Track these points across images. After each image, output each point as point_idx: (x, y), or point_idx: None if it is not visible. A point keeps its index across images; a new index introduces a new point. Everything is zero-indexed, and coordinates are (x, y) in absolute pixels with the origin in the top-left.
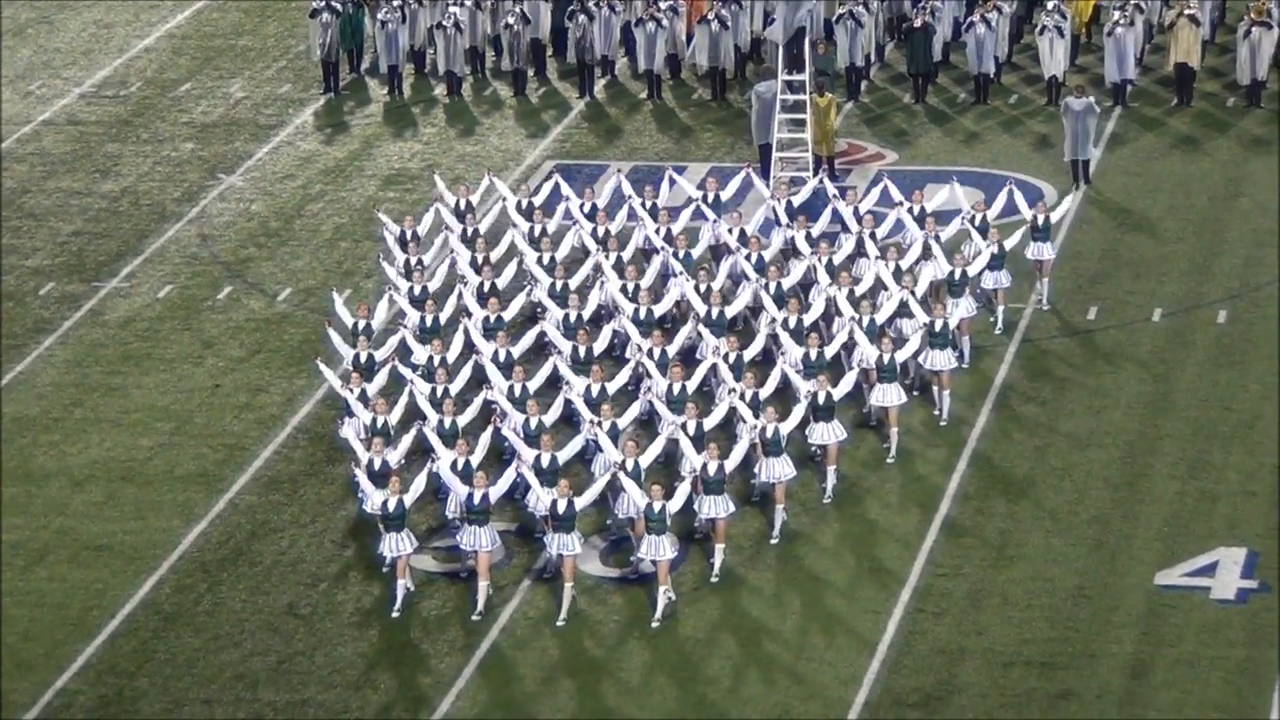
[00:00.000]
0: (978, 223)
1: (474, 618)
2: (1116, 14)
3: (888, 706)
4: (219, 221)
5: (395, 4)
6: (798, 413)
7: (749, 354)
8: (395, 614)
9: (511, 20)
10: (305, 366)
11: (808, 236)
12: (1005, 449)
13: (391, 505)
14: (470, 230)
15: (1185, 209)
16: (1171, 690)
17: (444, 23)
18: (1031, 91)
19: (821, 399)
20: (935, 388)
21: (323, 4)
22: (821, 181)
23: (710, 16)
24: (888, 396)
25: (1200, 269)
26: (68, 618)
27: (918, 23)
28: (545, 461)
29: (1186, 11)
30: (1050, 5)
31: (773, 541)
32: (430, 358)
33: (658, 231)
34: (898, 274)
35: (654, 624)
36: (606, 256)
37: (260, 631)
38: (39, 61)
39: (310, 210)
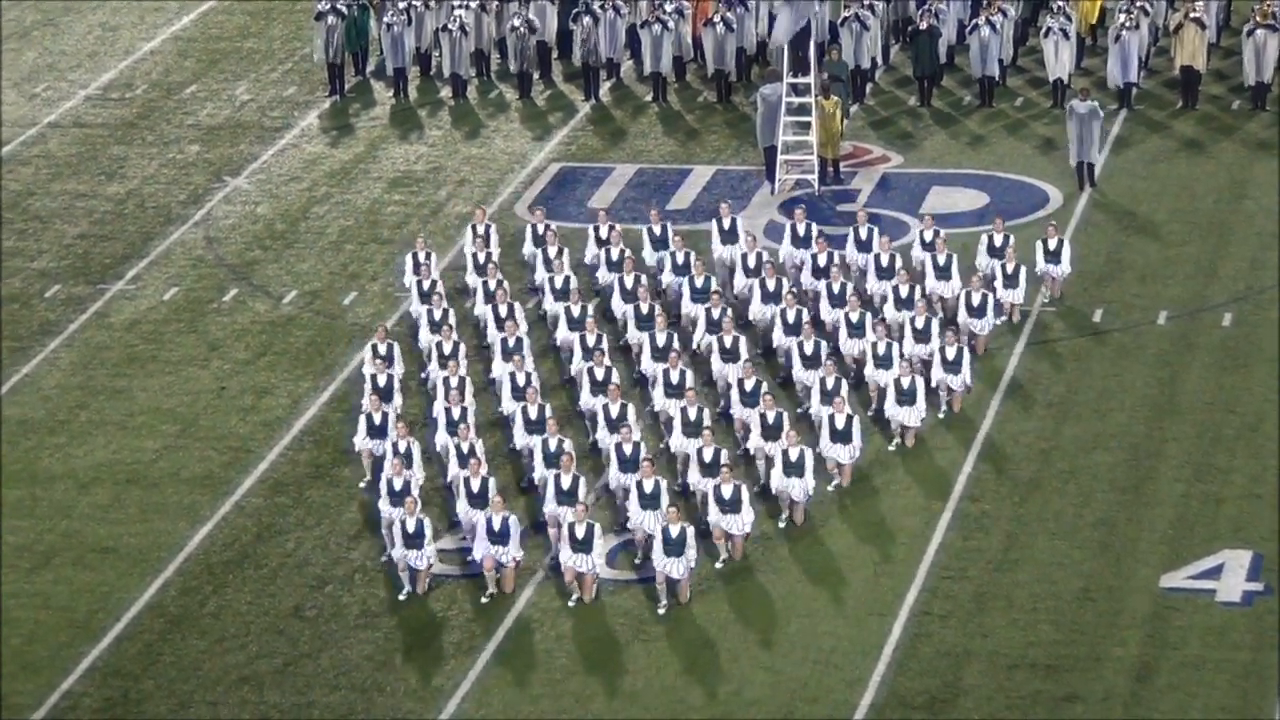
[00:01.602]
0: (997, 242)
1: (483, 600)
2: (1122, 16)
3: (893, 709)
4: (224, 224)
5: (401, 6)
6: (823, 439)
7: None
8: (402, 597)
9: (517, 23)
10: (311, 369)
11: (830, 261)
12: (1011, 451)
13: (411, 526)
14: (483, 255)
15: (1190, 212)
16: (1176, 693)
17: (449, 25)
18: (1036, 94)
19: (840, 423)
20: (943, 401)
21: (328, 6)
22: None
23: (715, 19)
24: (910, 418)
25: (1205, 272)
26: (73, 620)
27: (923, 25)
28: (566, 484)
29: (1192, 14)
30: (1055, 7)
31: (780, 525)
32: (446, 379)
33: (672, 256)
34: (911, 297)
35: (660, 610)
36: (621, 281)
37: (266, 634)
38: (44, 64)
39: (316, 213)
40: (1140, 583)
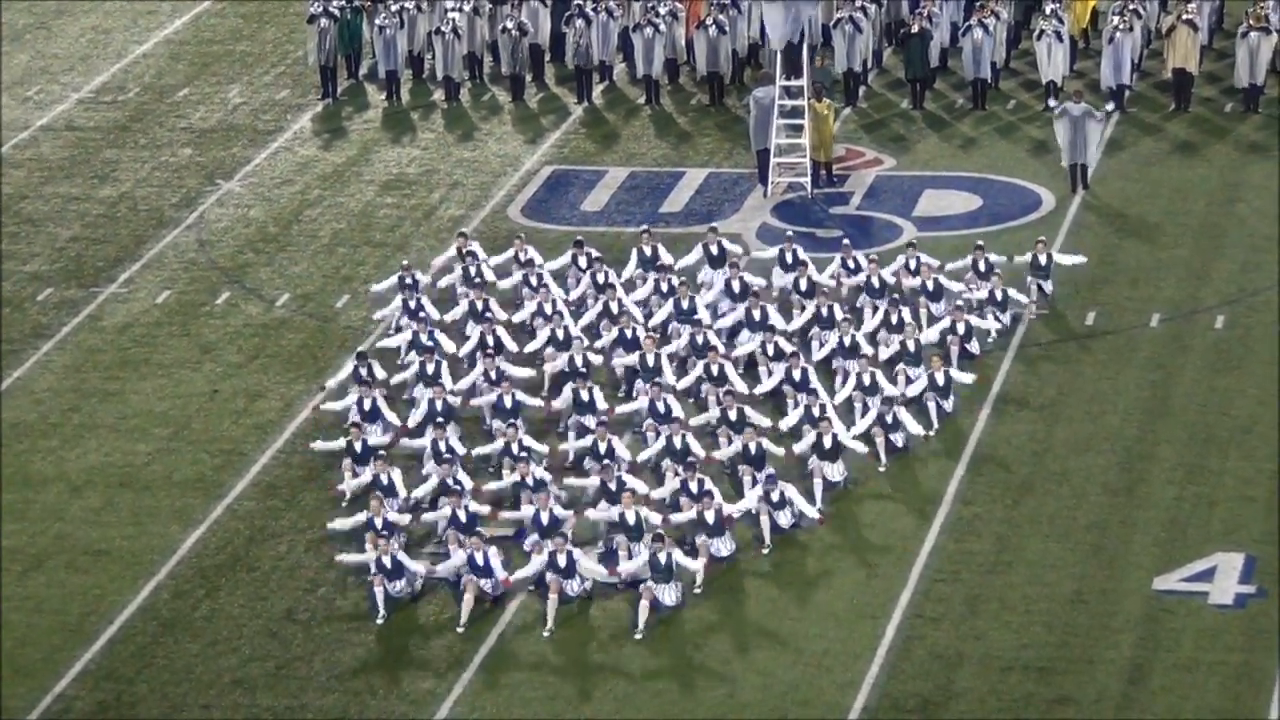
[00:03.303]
0: (982, 266)
1: (458, 629)
2: (1115, 19)
3: (885, 711)
4: (217, 227)
5: (393, 9)
6: (803, 446)
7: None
8: (380, 620)
9: (510, 25)
10: (303, 372)
11: (811, 286)
12: (1003, 454)
13: (388, 562)
14: (475, 275)
15: (1183, 214)
16: (1169, 695)
17: (442, 28)
18: (1029, 97)
19: (827, 442)
20: (934, 422)
21: (320, 9)
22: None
23: (708, 22)
24: (894, 442)
25: (1198, 274)
26: (66, 623)
27: (915, 28)
28: (545, 518)
29: (1184, 16)
30: (1048, 10)
31: (764, 551)
32: (431, 400)
33: (659, 283)
34: (900, 323)
35: (637, 635)
36: (607, 304)
37: (258, 637)
38: (37, 67)
39: (308, 215)
40: (1133, 585)
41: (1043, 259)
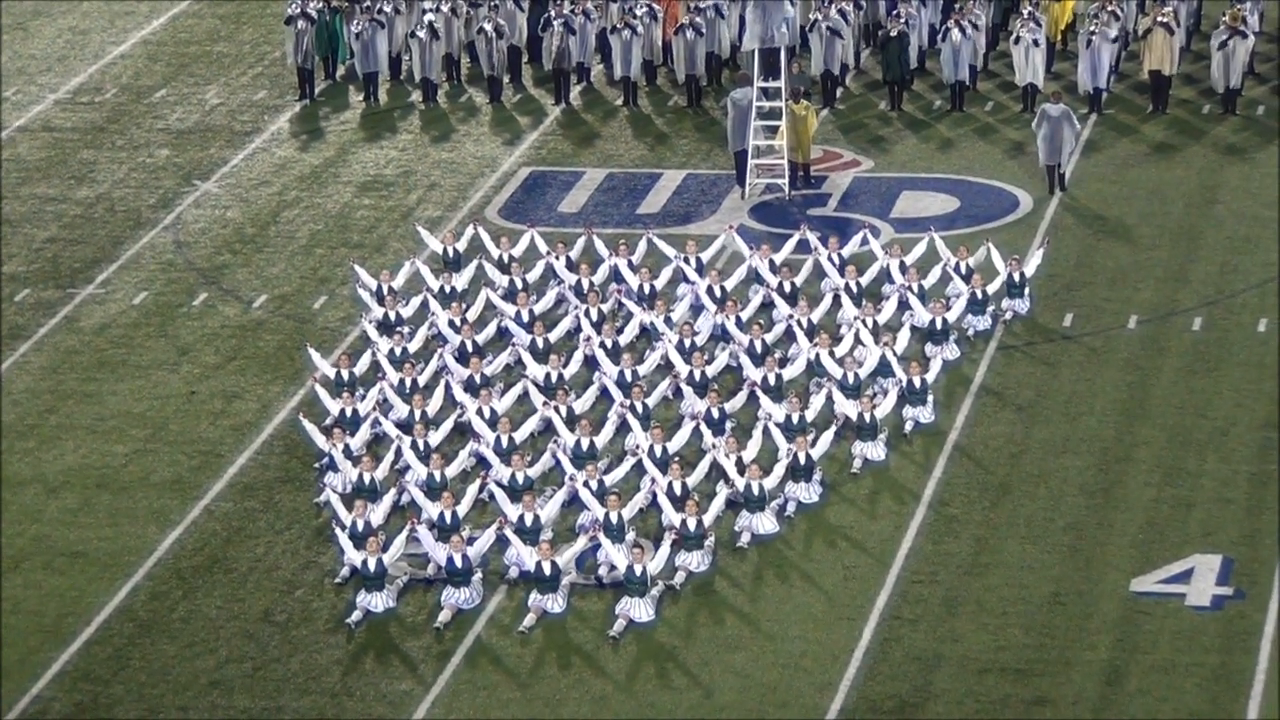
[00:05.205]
0: (963, 270)
1: (434, 626)
2: (1092, 23)
3: (863, 713)
4: (194, 228)
5: (370, 7)
6: (778, 470)
7: (731, 406)
8: (350, 622)
9: (488, 27)
10: (280, 373)
11: (794, 291)
12: (981, 456)
13: (371, 565)
14: (449, 288)
15: (1161, 216)
16: (1146, 697)
17: (419, 30)
18: (1007, 98)
19: (802, 459)
20: (907, 429)
21: (298, 10)
22: (804, 233)
23: (686, 23)
24: (872, 452)
25: (1176, 276)
26: (43, 625)
27: (893, 30)
28: (528, 521)
29: (1161, 19)
30: (1025, 13)
31: (744, 544)
32: (410, 411)
33: (640, 289)
34: (876, 330)
35: (612, 633)
36: (587, 313)
37: (236, 638)
38: (14, 68)
39: (286, 217)
40: (1110, 587)
41: (1016, 275)
